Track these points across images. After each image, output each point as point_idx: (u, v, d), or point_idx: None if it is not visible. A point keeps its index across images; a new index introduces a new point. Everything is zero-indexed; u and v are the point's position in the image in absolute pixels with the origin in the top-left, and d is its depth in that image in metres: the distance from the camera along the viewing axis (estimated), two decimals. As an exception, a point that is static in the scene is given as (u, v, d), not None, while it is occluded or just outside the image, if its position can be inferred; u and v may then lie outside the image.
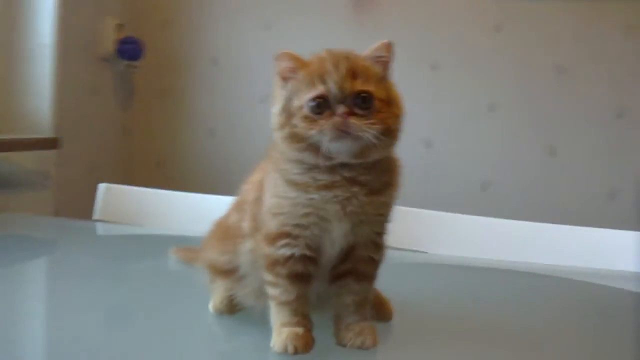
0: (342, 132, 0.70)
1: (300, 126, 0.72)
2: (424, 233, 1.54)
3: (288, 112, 0.74)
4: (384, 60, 0.77)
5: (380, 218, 0.78)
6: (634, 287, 1.26)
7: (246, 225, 0.81)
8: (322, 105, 0.72)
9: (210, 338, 0.87)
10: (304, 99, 0.73)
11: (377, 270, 0.80)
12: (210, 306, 0.89)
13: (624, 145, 2.56)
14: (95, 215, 1.65)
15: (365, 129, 0.71)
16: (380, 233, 0.79)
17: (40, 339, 0.86)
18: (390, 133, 0.74)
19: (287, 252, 0.75)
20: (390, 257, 1.47)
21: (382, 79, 0.77)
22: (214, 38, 2.79)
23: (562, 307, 1.12)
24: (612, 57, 2.54)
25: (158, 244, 1.49)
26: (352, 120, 0.71)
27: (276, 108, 0.76)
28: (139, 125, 2.88)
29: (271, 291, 0.77)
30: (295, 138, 0.73)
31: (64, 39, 2.18)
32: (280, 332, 0.75)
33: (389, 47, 0.78)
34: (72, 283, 1.09)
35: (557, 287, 1.28)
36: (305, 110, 0.72)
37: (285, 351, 0.73)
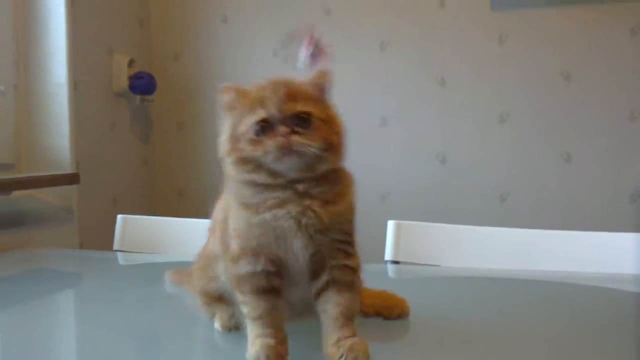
0: (286, 150, 0.74)
1: (247, 149, 0.76)
2: (438, 247, 1.55)
3: (234, 138, 0.78)
4: (321, 85, 0.81)
5: (338, 227, 0.80)
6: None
7: (217, 247, 0.86)
8: (265, 128, 0.76)
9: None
10: (247, 123, 0.77)
11: (355, 279, 0.82)
12: (218, 325, 0.93)
13: (640, 146, 2.56)
14: (116, 246, 1.70)
15: (307, 144, 0.75)
16: (344, 241, 0.81)
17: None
18: (333, 148, 0.78)
19: (248, 269, 0.79)
20: (405, 272, 1.49)
21: (321, 101, 0.80)
22: (224, 67, 2.85)
23: (585, 315, 1.11)
24: (620, 59, 2.54)
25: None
26: (294, 138, 0.75)
27: (223, 136, 0.80)
28: (158, 156, 2.94)
29: (243, 308, 0.80)
30: (242, 161, 0.77)
31: (78, 78, 2.24)
32: (254, 343, 0.77)
33: (324, 75, 0.82)
34: (98, 311, 1.13)
35: (579, 294, 1.27)
36: (250, 134, 0.76)
37: None
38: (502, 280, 1.38)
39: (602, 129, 2.57)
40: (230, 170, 0.79)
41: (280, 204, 0.77)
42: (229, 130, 0.79)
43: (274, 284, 0.79)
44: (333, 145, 0.78)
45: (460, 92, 2.68)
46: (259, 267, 0.78)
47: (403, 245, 1.52)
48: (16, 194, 1.92)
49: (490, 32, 2.64)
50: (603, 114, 2.57)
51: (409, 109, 2.71)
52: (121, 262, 1.64)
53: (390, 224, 1.55)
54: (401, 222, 1.55)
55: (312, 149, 0.75)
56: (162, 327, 1.03)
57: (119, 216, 1.73)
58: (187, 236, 1.66)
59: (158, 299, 1.25)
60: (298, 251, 0.78)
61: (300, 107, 0.77)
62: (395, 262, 1.51)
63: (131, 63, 2.61)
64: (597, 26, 2.56)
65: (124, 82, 2.57)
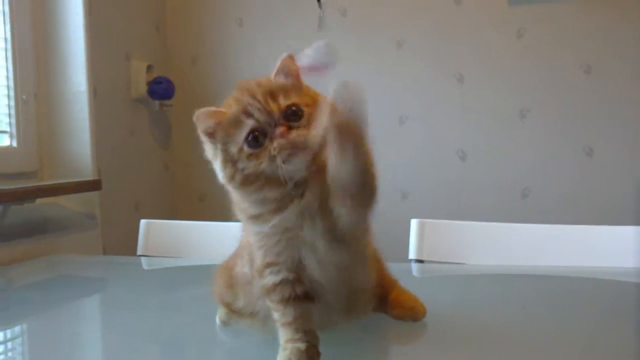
0: (291, 150, 0.70)
1: (249, 165, 0.71)
2: (462, 244, 1.54)
3: (231, 161, 0.73)
4: (291, 71, 0.77)
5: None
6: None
7: (247, 270, 0.84)
8: (259, 137, 0.71)
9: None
10: (239, 140, 0.72)
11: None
12: (217, 318, 0.96)
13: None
14: (140, 251, 1.71)
15: (308, 135, 0.70)
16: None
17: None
18: None
19: (271, 280, 0.77)
20: (429, 271, 1.49)
21: (299, 87, 0.76)
22: (241, 70, 2.85)
23: (610, 310, 1.10)
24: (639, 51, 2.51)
25: (201, 273, 1.53)
26: (294, 134, 0.70)
27: (218, 162, 0.75)
28: (178, 161, 2.95)
29: (274, 314, 0.79)
30: (249, 179, 0.72)
31: (98, 85, 2.26)
32: (285, 348, 0.76)
33: (290, 58, 0.78)
34: (123, 316, 1.13)
35: (606, 289, 1.26)
36: (246, 149, 0.72)
37: None
38: (527, 277, 1.37)
39: (624, 121, 2.53)
40: (237, 194, 0.76)
41: (282, 208, 0.73)
42: (221, 155, 0.74)
43: (298, 292, 0.77)
44: None
45: (479, 89, 2.66)
46: (279, 277, 0.77)
47: (427, 244, 1.51)
48: (40, 201, 1.94)
49: (508, 27, 2.61)
50: (625, 106, 2.53)
51: (427, 106, 2.70)
52: (145, 267, 1.64)
53: (414, 223, 1.54)
54: (424, 220, 1.54)
55: (316, 138, 0.70)
56: (186, 332, 1.03)
57: (143, 221, 1.74)
58: (210, 240, 1.67)
59: (183, 304, 1.25)
60: (319, 248, 0.75)
61: (284, 101, 0.72)
62: (420, 261, 1.50)
63: (149, 69, 2.63)
64: (616, 18, 2.52)
65: (143, 88, 2.58)
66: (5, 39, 2.01)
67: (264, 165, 0.71)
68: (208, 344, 0.95)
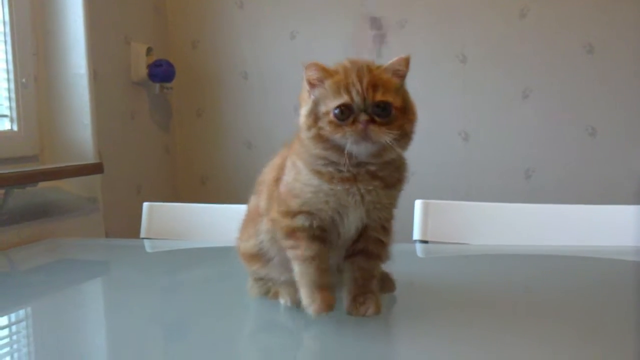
0: (363, 138, 0.80)
1: (326, 129, 0.82)
2: (466, 225, 1.54)
3: (315, 116, 0.84)
4: (401, 72, 0.87)
5: (390, 206, 0.88)
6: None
7: (263, 204, 0.92)
8: (345, 112, 0.81)
9: (269, 340, 0.90)
10: (330, 105, 0.82)
11: (385, 251, 0.91)
12: (249, 293, 1.01)
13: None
14: (142, 234, 1.70)
15: (383, 135, 0.81)
16: (388, 219, 0.89)
17: (104, 354, 0.90)
18: (405, 136, 0.85)
19: (306, 222, 0.85)
20: (433, 251, 1.49)
21: (399, 89, 0.86)
22: (242, 53, 2.83)
23: (613, 289, 1.11)
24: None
25: (205, 255, 1.53)
26: (372, 128, 0.80)
27: (304, 111, 0.85)
28: (179, 144, 2.94)
29: (292, 253, 0.86)
30: (320, 139, 0.83)
31: (98, 68, 2.24)
32: (314, 298, 0.84)
33: (406, 61, 0.87)
34: (127, 299, 1.13)
35: (607, 268, 1.26)
36: (331, 116, 0.82)
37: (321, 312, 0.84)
38: (531, 257, 1.37)
39: (627, 101, 2.52)
40: (306, 143, 0.85)
41: (351, 180, 0.83)
42: (310, 106, 0.84)
43: (325, 236, 0.85)
44: (406, 134, 0.84)
45: (482, 69, 2.64)
46: (315, 224, 0.85)
47: (431, 225, 1.51)
48: (41, 185, 1.93)
49: (511, 7, 2.59)
50: (628, 86, 2.52)
51: (430, 87, 2.68)
52: (148, 249, 1.64)
53: (418, 204, 1.54)
54: (429, 201, 1.54)
55: (387, 139, 0.80)
56: (190, 314, 1.03)
57: (145, 204, 1.74)
58: (212, 222, 1.67)
59: (186, 286, 1.25)
60: (352, 221, 0.85)
61: (382, 96, 0.82)
62: (424, 242, 1.50)
63: (149, 51, 2.61)
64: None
65: (143, 71, 2.57)
66: (4, 22, 2.00)
67: (337, 136, 0.81)
68: (212, 326, 0.95)
